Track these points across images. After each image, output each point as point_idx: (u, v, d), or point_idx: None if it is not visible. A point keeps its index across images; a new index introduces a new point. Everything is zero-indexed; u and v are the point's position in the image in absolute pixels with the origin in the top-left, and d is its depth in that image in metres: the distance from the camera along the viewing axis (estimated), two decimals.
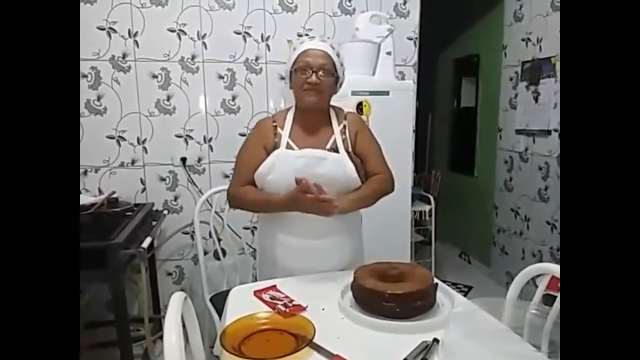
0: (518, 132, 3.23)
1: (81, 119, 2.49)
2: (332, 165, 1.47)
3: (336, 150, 1.51)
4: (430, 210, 3.50)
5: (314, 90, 1.46)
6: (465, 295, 2.82)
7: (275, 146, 1.51)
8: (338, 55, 1.52)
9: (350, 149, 1.54)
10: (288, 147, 1.50)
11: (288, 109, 1.60)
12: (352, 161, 1.51)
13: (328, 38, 2.66)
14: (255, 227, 2.82)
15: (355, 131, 1.58)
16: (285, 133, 1.52)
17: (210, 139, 2.69)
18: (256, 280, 1.64)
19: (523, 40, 3.16)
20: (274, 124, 1.55)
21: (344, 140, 1.54)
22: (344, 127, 1.57)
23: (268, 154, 1.49)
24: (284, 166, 1.45)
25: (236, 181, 1.56)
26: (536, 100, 3.00)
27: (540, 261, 2.90)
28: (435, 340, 1.06)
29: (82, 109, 2.48)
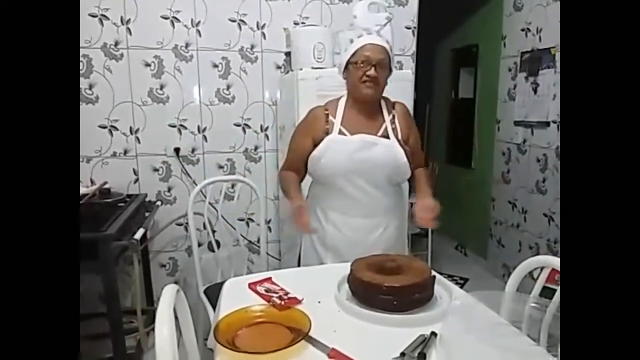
0: (516, 123, 3.20)
1: None
2: (383, 150, 1.57)
3: (387, 137, 1.60)
4: None
5: (373, 82, 1.54)
6: (461, 288, 2.81)
7: (327, 132, 1.59)
8: (391, 49, 1.60)
9: (399, 137, 1.63)
10: (340, 133, 1.58)
11: (339, 99, 1.67)
12: (402, 147, 1.60)
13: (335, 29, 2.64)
14: (251, 219, 2.80)
15: (406, 124, 1.67)
16: (337, 120, 1.61)
17: (204, 129, 2.65)
18: (304, 266, 1.74)
19: (522, 30, 3.12)
20: (326, 112, 1.63)
21: (393, 129, 1.63)
22: (393, 116, 1.66)
23: (318, 141, 1.59)
24: (337, 150, 1.56)
25: (282, 165, 1.74)
26: (535, 91, 2.97)
27: (537, 254, 2.90)
28: (433, 333, 1.05)
29: None
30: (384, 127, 1.62)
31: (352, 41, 1.61)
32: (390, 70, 1.62)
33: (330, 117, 1.62)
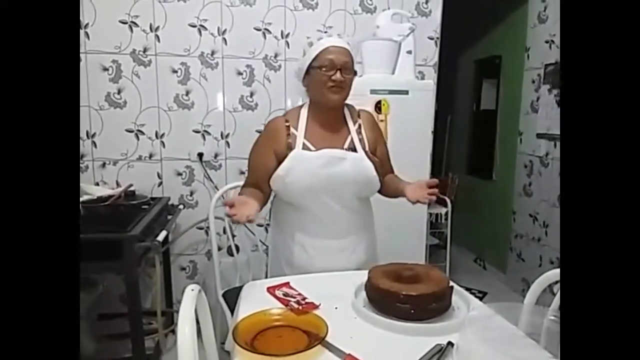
0: (539, 136, 3.17)
1: (101, 112, 2.52)
2: (352, 165, 1.46)
3: (354, 150, 1.50)
4: (446, 213, 3.47)
5: (339, 87, 1.44)
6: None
7: (290, 147, 1.47)
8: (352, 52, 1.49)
9: (367, 148, 1.53)
10: (304, 147, 1.47)
11: (300, 107, 1.57)
12: (370, 160, 1.50)
13: (338, 34, 2.67)
14: (270, 225, 2.82)
15: (371, 131, 1.58)
16: (300, 133, 1.49)
17: (227, 135, 2.70)
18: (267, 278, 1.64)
19: (547, 42, 3.09)
20: (287, 124, 1.51)
21: (360, 140, 1.53)
22: (359, 126, 1.56)
23: (280, 156, 1.47)
24: (302, 168, 1.44)
25: (244, 183, 1.59)
26: (558, 104, 2.94)
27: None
28: (450, 343, 1.04)
29: (102, 102, 2.51)
30: (349, 139, 1.52)
31: (311, 44, 1.48)
32: (355, 74, 1.49)
33: (292, 129, 1.49)
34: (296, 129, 1.50)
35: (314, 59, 1.45)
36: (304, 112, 1.53)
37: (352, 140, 1.52)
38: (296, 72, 1.56)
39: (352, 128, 1.54)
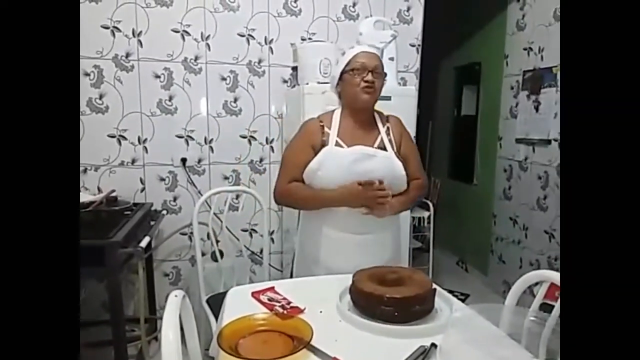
0: (518, 141, 3.23)
1: (82, 117, 2.49)
2: (381, 162, 1.55)
3: (384, 149, 1.59)
4: (429, 217, 3.51)
5: (371, 88, 1.54)
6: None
7: (324, 144, 1.57)
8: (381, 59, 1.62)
9: (395, 150, 1.62)
10: (337, 144, 1.56)
11: (333, 111, 1.66)
12: (399, 159, 1.59)
13: (322, 41, 2.69)
14: (254, 230, 2.82)
15: (399, 134, 1.67)
16: (333, 132, 1.59)
17: (210, 140, 2.69)
18: (292, 276, 1.74)
19: (525, 49, 3.17)
20: (321, 124, 1.61)
21: (390, 141, 1.62)
22: (388, 128, 1.65)
23: (316, 153, 1.56)
24: (334, 162, 1.53)
25: (283, 179, 1.63)
26: (537, 109, 3.01)
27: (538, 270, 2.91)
28: (433, 345, 1.06)
29: (84, 107, 2.48)
30: (379, 138, 1.61)
31: (343, 53, 1.64)
32: (385, 77, 1.62)
33: (326, 129, 1.60)
34: (329, 128, 1.60)
35: (347, 64, 1.57)
36: (336, 115, 1.64)
37: (382, 140, 1.61)
38: (329, 81, 1.68)
39: (382, 129, 1.64)
